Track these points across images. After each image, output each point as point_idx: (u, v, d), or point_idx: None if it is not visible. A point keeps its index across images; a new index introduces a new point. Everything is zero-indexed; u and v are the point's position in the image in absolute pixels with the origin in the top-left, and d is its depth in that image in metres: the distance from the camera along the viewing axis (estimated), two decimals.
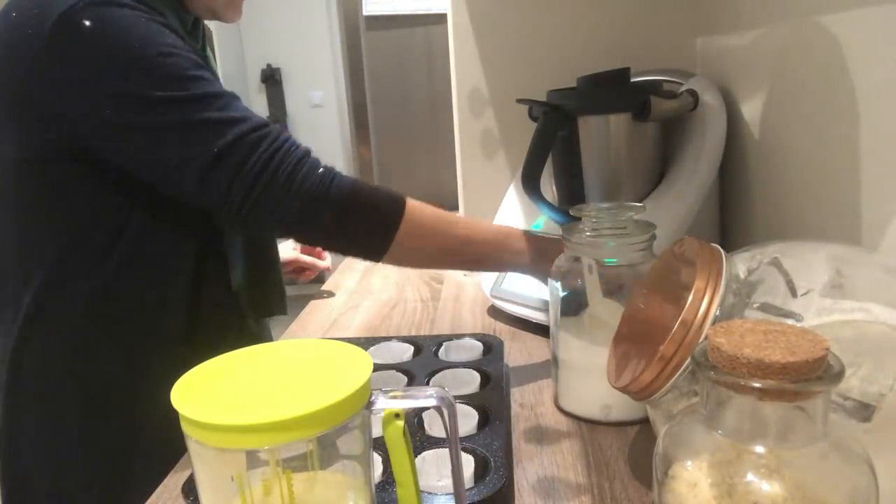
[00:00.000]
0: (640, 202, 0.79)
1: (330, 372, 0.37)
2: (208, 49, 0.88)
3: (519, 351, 0.82)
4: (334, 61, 4.05)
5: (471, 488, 0.49)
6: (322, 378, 0.36)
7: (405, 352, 0.77)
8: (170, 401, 0.34)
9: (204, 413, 0.32)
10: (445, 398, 0.37)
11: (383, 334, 0.91)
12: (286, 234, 0.73)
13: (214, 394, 0.35)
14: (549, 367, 0.71)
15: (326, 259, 1.16)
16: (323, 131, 4.10)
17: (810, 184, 0.70)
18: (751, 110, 0.84)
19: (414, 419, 0.60)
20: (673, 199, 0.81)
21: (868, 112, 0.59)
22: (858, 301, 0.39)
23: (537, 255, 0.76)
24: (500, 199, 1.02)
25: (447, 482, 0.51)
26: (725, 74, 0.91)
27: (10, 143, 0.70)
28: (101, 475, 0.77)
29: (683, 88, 0.87)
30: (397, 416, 0.37)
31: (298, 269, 1.13)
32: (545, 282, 0.75)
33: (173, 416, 0.34)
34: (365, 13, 1.78)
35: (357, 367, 0.37)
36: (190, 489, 0.53)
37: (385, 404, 0.37)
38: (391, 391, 0.37)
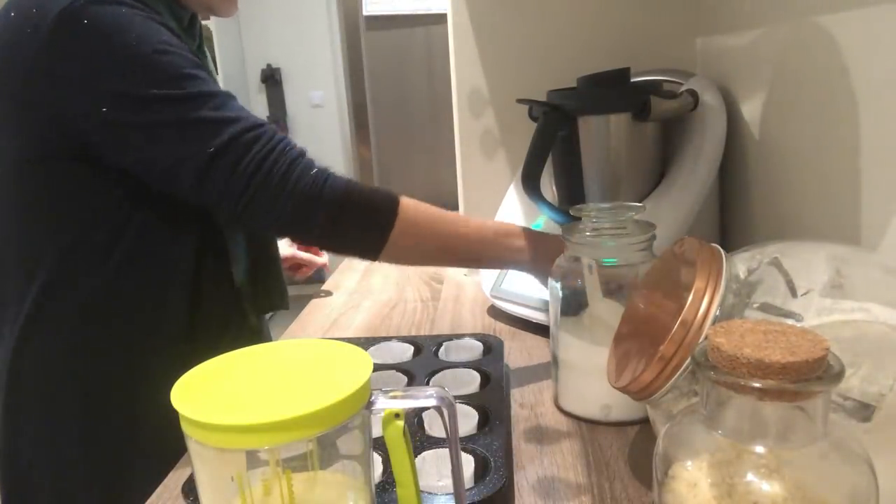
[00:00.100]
0: (640, 202, 0.79)
1: (330, 372, 0.37)
2: (205, 47, 0.88)
3: (519, 351, 0.82)
4: (334, 61, 4.05)
5: (471, 488, 0.49)
6: (322, 378, 0.36)
7: (405, 352, 0.77)
8: (170, 400, 0.34)
9: (204, 413, 0.32)
10: (445, 398, 0.37)
11: (383, 334, 0.91)
12: (281, 234, 0.73)
13: (214, 394, 0.35)
14: (549, 367, 0.71)
15: (324, 256, 1.15)
16: (323, 131, 4.10)
17: (810, 184, 0.70)
18: (751, 110, 0.84)
19: (414, 419, 0.60)
20: (673, 199, 0.81)
21: (868, 112, 0.59)
22: (858, 301, 0.39)
23: (538, 253, 0.76)
24: (500, 199, 1.02)
25: (447, 482, 0.51)
26: (725, 74, 0.91)
27: (11, 142, 0.70)
28: (101, 475, 0.77)
29: (683, 88, 0.87)
30: (397, 416, 0.37)
31: (295, 265, 1.13)
32: (545, 282, 0.75)
33: (173, 416, 0.34)
34: (365, 13, 1.78)
35: (357, 367, 0.37)
36: (190, 489, 0.53)
37: (385, 404, 0.37)
38: (391, 391, 0.37)
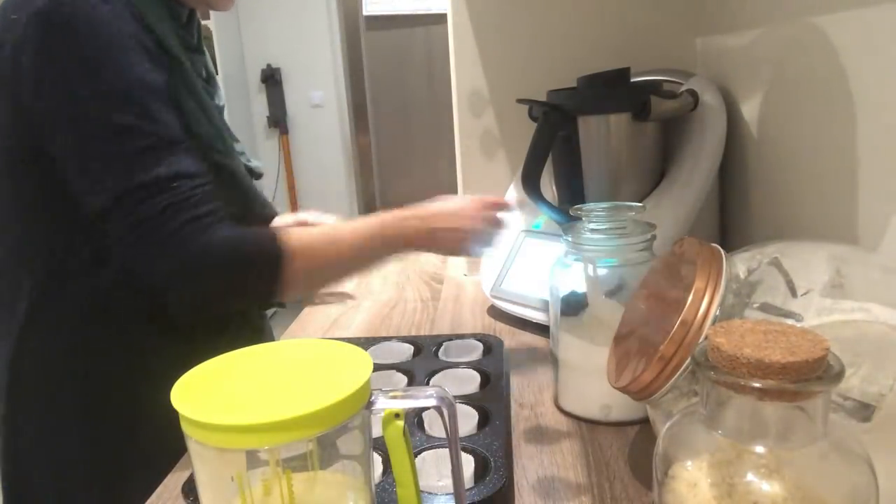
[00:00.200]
0: (640, 202, 0.79)
1: (330, 372, 0.37)
2: (204, 46, 0.88)
3: (519, 351, 0.82)
4: (334, 61, 4.05)
5: (471, 488, 0.49)
6: (322, 378, 0.36)
7: (405, 352, 0.77)
8: (170, 400, 0.34)
9: (204, 413, 0.32)
10: (445, 398, 0.37)
11: (383, 334, 0.91)
12: (166, 294, 0.72)
13: (214, 394, 0.35)
14: (549, 367, 0.71)
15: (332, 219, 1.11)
16: (323, 131, 4.10)
17: (810, 183, 0.70)
18: (751, 110, 0.84)
19: (414, 419, 0.60)
20: (673, 199, 0.81)
21: (867, 112, 0.59)
22: (858, 301, 0.39)
23: (414, 232, 0.78)
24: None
25: (447, 482, 0.51)
26: (725, 74, 0.91)
27: (4, 142, 0.70)
28: (101, 475, 0.77)
29: (683, 88, 0.87)
30: (397, 416, 0.37)
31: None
32: (447, 254, 0.86)
33: (173, 416, 0.34)
34: (365, 13, 1.78)
35: (357, 367, 0.37)
36: (190, 489, 0.53)
37: (385, 404, 0.37)
38: (391, 391, 0.37)
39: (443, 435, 0.39)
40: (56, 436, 0.76)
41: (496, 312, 0.95)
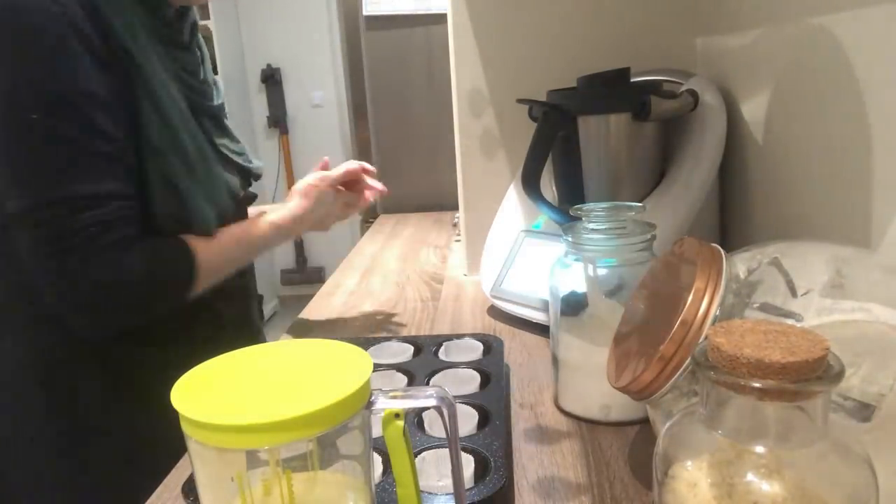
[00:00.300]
0: (640, 202, 0.79)
1: (330, 372, 0.37)
2: (200, 44, 0.88)
3: (519, 351, 0.82)
4: (334, 61, 4.05)
5: (471, 488, 0.49)
6: (322, 378, 0.36)
7: (405, 352, 0.77)
8: (168, 401, 0.34)
9: (204, 413, 0.32)
10: (445, 398, 0.37)
11: (383, 334, 0.91)
12: (76, 318, 0.72)
13: (214, 394, 0.35)
14: (549, 367, 0.71)
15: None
16: (323, 131, 4.10)
17: (810, 184, 0.70)
18: (751, 110, 0.84)
19: (414, 419, 0.60)
20: (673, 199, 0.82)
21: (868, 112, 0.59)
22: (858, 301, 0.39)
23: (288, 215, 0.87)
24: (500, 199, 1.02)
25: (447, 482, 0.51)
26: (725, 74, 0.91)
27: None
28: (103, 475, 0.78)
29: (683, 88, 0.87)
30: (397, 416, 0.37)
31: (353, 183, 0.99)
32: (320, 228, 0.95)
33: (173, 416, 0.34)
34: (365, 13, 1.78)
35: (357, 367, 0.37)
36: (190, 489, 0.53)
37: (385, 404, 0.37)
38: (391, 391, 0.37)
39: (443, 435, 0.39)
40: (28, 440, 0.77)
41: (496, 312, 0.95)
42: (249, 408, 0.33)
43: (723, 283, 0.41)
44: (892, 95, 0.55)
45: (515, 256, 0.92)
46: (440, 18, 1.49)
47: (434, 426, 0.59)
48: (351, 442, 0.38)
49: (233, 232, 0.82)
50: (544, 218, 0.90)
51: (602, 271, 0.61)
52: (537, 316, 0.86)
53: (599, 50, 1.02)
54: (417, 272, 1.22)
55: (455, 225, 1.47)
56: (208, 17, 3.44)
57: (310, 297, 1.13)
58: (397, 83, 1.82)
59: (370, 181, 0.99)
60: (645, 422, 0.60)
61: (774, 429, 0.31)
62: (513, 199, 1.00)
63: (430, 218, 1.72)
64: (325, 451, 0.37)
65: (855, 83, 0.60)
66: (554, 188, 0.92)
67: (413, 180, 1.82)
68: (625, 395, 0.45)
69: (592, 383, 0.61)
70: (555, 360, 0.66)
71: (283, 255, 4.26)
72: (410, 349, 0.77)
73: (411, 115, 1.83)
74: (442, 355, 0.76)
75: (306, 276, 4.21)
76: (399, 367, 0.72)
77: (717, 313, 0.40)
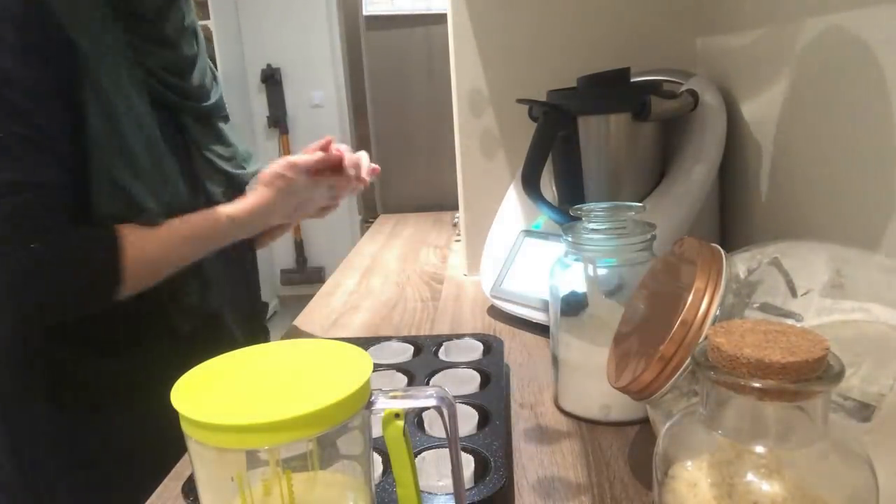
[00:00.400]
0: (640, 202, 0.79)
1: (330, 372, 0.37)
2: (193, 41, 0.86)
3: (519, 351, 0.82)
4: (334, 61, 4.05)
5: (471, 488, 0.49)
6: (322, 378, 0.36)
7: (405, 352, 0.77)
8: (167, 401, 0.34)
9: (204, 413, 0.32)
10: (445, 398, 0.37)
11: (383, 334, 0.91)
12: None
13: (214, 394, 0.35)
14: (549, 367, 0.71)
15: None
16: (323, 131, 4.08)
17: (810, 184, 0.70)
18: (751, 110, 0.84)
19: (414, 419, 0.60)
20: (673, 199, 0.82)
21: (868, 112, 0.59)
22: (858, 301, 0.39)
23: (245, 207, 0.81)
24: (500, 199, 1.02)
25: (447, 482, 0.51)
26: (725, 74, 0.91)
27: None
28: (104, 475, 0.78)
29: (683, 88, 0.87)
30: (397, 416, 0.37)
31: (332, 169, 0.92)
32: (282, 222, 0.88)
33: (173, 416, 0.34)
34: (365, 13, 1.78)
35: (357, 367, 0.37)
36: (190, 489, 0.53)
37: (385, 404, 0.37)
38: (391, 391, 0.37)
39: (443, 435, 0.39)
40: (24, 430, 0.77)
41: (496, 312, 0.95)
42: (249, 408, 0.33)
43: (723, 283, 0.41)
44: (892, 94, 0.55)
45: (515, 256, 0.92)
46: (440, 18, 1.49)
47: (434, 426, 0.59)
48: (351, 442, 0.38)
49: (178, 225, 0.77)
50: (544, 218, 0.90)
51: (602, 271, 0.61)
52: (537, 316, 0.86)
53: (599, 50, 1.02)
54: (417, 272, 1.22)
55: (455, 225, 1.47)
56: (208, 17, 3.44)
57: (310, 297, 1.13)
58: (397, 83, 1.82)
59: (364, 164, 0.93)
60: (645, 422, 0.60)
61: (774, 429, 0.31)
62: (513, 199, 1.00)
63: (430, 218, 1.72)
64: (325, 451, 0.37)
65: (855, 83, 0.60)
66: (554, 188, 0.92)
67: (413, 180, 1.81)
68: (625, 395, 0.45)
69: (592, 383, 0.61)
70: (555, 360, 0.66)
71: (283, 255, 4.26)
72: (410, 349, 0.77)
73: (411, 115, 1.83)
74: (442, 355, 0.76)
75: (306, 276, 4.21)
76: (399, 367, 0.72)
77: (717, 313, 0.40)
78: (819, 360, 0.29)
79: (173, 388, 0.35)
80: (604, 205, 0.63)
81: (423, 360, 0.75)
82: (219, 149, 0.87)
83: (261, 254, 1.06)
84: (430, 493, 0.50)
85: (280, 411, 0.32)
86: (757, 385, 0.29)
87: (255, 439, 0.32)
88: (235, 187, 0.89)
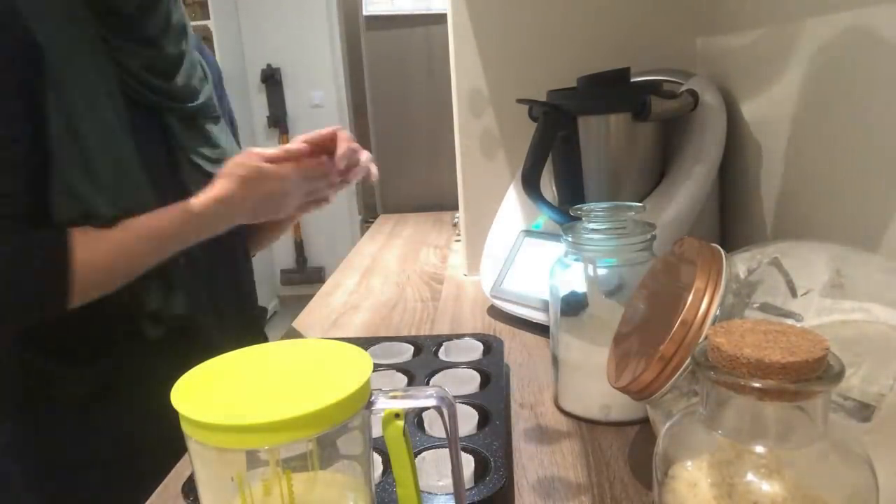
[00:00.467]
0: (640, 202, 0.79)
1: (330, 372, 0.37)
2: (184, 41, 0.84)
3: (519, 351, 0.82)
4: (334, 61, 4.05)
5: (471, 488, 0.49)
6: (322, 378, 0.36)
7: (405, 352, 0.77)
8: (167, 401, 0.34)
9: (204, 413, 0.32)
10: (445, 398, 0.37)
11: (383, 334, 0.91)
12: None
13: (214, 394, 0.35)
14: (549, 367, 0.71)
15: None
16: None
17: (810, 183, 0.70)
18: (751, 110, 0.84)
19: (414, 419, 0.60)
20: (673, 199, 0.81)
21: (868, 112, 0.59)
22: (858, 301, 0.39)
23: (202, 199, 0.75)
24: (500, 199, 1.02)
25: (447, 482, 0.51)
26: (725, 74, 0.91)
27: None
28: (103, 476, 0.78)
29: (683, 88, 0.87)
30: (397, 416, 0.37)
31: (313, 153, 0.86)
32: (252, 218, 0.80)
33: (173, 416, 0.34)
34: (365, 13, 1.78)
35: (357, 367, 0.37)
36: (190, 489, 0.53)
37: (385, 404, 0.37)
38: (391, 391, 0.37)
39: (443, 435, 0.39)
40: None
41: (496, 312, 0.95)
42: (249, 408, 0.33)
43: (723, 283, 0.41)
44: (891, 94, 0.55)
45: (515, 256, 0.92)
46: (440, 18, 1.49)
47: (434, 426, 0.59)
48: (351, 442, 0.38)
49: (133, 225, 0.73)
50: (544, 218, 0.90)
51: (602, 271, 0.61)
52: (537, 316, 0.86)
53: (599, 50, 1.02)
54: (417, 272, 1.22)
55: (455, 225, 1.47)
56: (208, 17, 3.44)
57: (310, 297, 1.13)
58: (397, 83, 1.82)
59: (362, 162, 0.86)
60: (645, 422, 0.60)
61: (774, 429, 0.31)
62: (513, 199, 1.00)
63: (430, 218, 1.72)
64: (325, 451, 0.37)
65: (855, 82, 0.60)
66: (554, 188, 0.92)
67: (413, 180, 1.82)
68: (625, 395, 0.45)
69: (592, 383, 0.61)
70: (555, 360, 0.66)
71: (283, 255, 4.27)
72: (410, 349, 0.77)
73: (411, 115, 1.83)
74: (442, 355, 0.76)
75: (306, 276, 4.22)
76: (399, 367, 0.72)
77: (717, 313, 0.40)
78: (819, 360, 0.29)
79: (173, 387, 0.35)
80: (604, 205, 0.63)
81: (423, 360, 0.75)
82: (206, 151, 0.84)
83: (261, 254, 1.06)
84: (430, 493, 0.50)
85: (280, 411, 0.32)
86: (757, 385, 0.29)
87: (255, 439, 0.32)
88: None
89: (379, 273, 1.24)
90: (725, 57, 0.92)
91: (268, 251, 4.02)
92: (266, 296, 3.94)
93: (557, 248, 0.66)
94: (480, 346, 0.77)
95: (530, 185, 0.81)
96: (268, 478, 0.35)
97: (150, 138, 0.78)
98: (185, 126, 0.83)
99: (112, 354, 0.78)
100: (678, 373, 0.40)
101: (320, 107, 4.14)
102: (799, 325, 0.36)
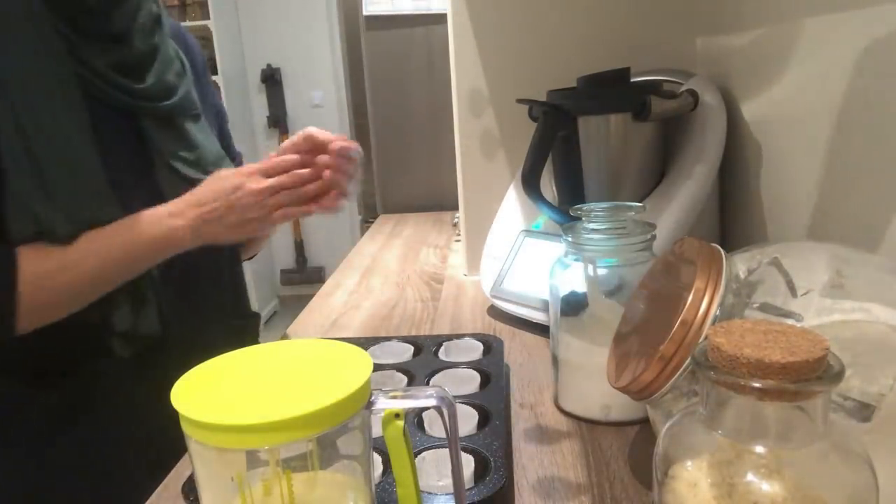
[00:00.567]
0: (640, 202, 0.79)
1: (330, 372, 0.37)
2: (156, 37, 0.79)
3: (519, 351, 0.82)
4: (334, 61, 4.05)
5: (471, 488, 0.49)
6: (322, 378, 0.36)
7: (405, 352, 0.77)
8: (167, 401, 0.34)
9: (204, 413, 0.32)
10: (445, 398, 0.37)
11: (383, 334, 0.91)
12: None
13: (214, 394, 0.35)
14: (549, 367, 0.71)
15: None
16: None
17: (810, 184, 0.70)
18: (751, 110, 0.84)
19: (414, 419, 0.60)
20: (673, 199, 0.81)
21: (867, 112, 0.59)
22: (858, 301, 0.39)
23: (186, 229, 0.72)
24: (500, 199, 1.02)
25: (447, 482, 0.51)
26: (725, 74, 0.91)
27: None
28: (102, 476, 0.78)
29: (683, 88, 0.87)
30: (397, 416, 0.37)
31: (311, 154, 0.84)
32: (232, 239, 0.77)
33: (173, 415, 0.34)
34: (365, 13, 1.78)
35: (357, 367, 0.37)
36: (190, 489, 0.53)
37: (385, 404, 0.37)
38: (391, 391, 0.37)
39: (443, 435, 0.39)
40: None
41: (496, 312, 0.95)
42: (249, 408, 0.33)
43: (723, 283, 0.41)
44: (891, 94, 0.55)
45: (515, 256, 0.92)
46: (440, 18, 1.49)
47: (434, 426, 0.59)
48: (351, 442, 0.38)
49: (90, 240, 0.68)
50: (544, 218, 0.90)
51: (602, 271, 0.61)
52: (537, 316, 0.86)
53: (599, 50, 1.02)
54: (417, 272, 1.22)
55: (455, 225, 1.47)
56: (208, 17, 3.44)
57: (310, 297, 1.13)
58: (397, 83, 1.82)
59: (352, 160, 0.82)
60: (645, 422, 0.60)
61: (774, 429, 0.31)
62: (513, 199, 1.00)
63: (430, 218, 1.72)
64: (325, 451, 0.37)
65: (855, 83, 0.60)
66: (554, 188, 0.92)
67: (413, 180, 1.82)
68: (625, 395, 0.45)
69: (592, 383, 0.61)
70: (555, 360, 0.66)
71: (283, 255, 4.27)
72: (410, 349, 0.77)
73: (411, 116, 1.83)
74: (442, 355, 0.76)
75: (306, 276, 4.22)
76: (399, 367, 0.72)
77: (717, 313, 0.40)
78: (819, 360, 0.29)
79: (173, 387, 0.35)
80: (604, 205, 0.63)
81: (423, 360, 0.75)
82: (184, 153, 0.79)
83: (261, 254, 1.06)
84: (430, 493, 0.50)
85: (280, 411, 0.32)
86: (757, 385, 0.29)
87: (255, 439, 0.32)
88: None
89: (379, 273, 1.24)
90: (725, 57, 0.92)
91: (267, 251, 4.02)
92: (266, 296, 3.94)
93: (557, 248, 0.66)
94: (480, 346, 0.77)
95: (530, 185, 0.81)
96: (268, 478, 0.35)
97: (119, 143, 0.74)
98: (161, 127, 0.78)
99: (78, 375, 0.73)
100: (678, 373, 0.40)
101: (320, 107, 4.14)
102: (799, 325, 0.36)
